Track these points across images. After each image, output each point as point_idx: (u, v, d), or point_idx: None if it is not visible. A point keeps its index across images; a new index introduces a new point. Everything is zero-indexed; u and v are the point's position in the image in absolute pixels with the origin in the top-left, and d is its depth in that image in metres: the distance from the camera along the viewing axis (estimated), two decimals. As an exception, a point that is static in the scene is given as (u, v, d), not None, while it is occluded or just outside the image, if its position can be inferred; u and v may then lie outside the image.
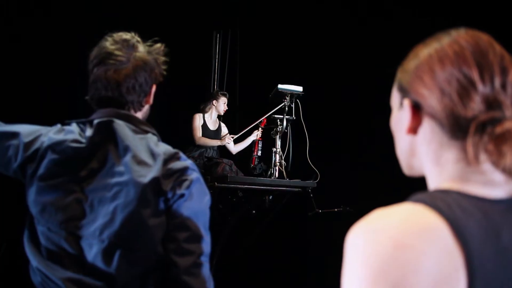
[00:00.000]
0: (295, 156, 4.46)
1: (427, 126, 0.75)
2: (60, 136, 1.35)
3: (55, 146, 1.34)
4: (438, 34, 0.78)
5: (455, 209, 0.66)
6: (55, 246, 1.31)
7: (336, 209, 4.26)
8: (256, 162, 4.56)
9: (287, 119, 4.37)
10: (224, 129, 5.04)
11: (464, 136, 0.71)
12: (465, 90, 0.71)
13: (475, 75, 0.71)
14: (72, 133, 1.36)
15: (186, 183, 1.33)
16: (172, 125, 4.64)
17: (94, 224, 1.29)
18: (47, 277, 1.31)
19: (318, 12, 4.96)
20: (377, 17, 4.54)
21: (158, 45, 1.44)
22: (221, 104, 4.92)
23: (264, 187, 4.22)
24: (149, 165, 1.31)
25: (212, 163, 4.62)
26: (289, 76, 4.46)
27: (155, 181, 1.29)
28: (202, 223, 1.36)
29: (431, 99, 0.73)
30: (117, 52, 1.36)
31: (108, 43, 1.38)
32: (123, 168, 1.30)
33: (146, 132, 1.39)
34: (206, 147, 4.80)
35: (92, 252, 1.29)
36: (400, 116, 0.80)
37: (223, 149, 4.94)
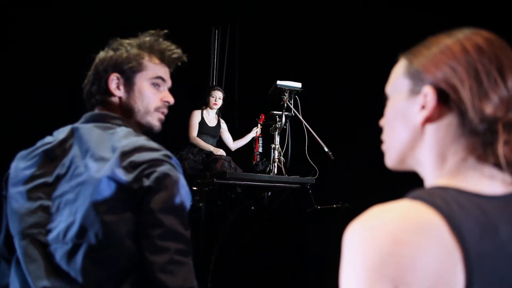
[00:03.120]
0: (294, 152, 4.46)
1: (447, 117, 0.73)
2: (31, 149, 1.39)
3: (27, 156, 1.37)
4: (452, 31, 0.76)
5: (452, 205, 0.66)
6: (24, 255, 1.29)
7: (334, 205, 4.27)
8: (258, 159, 4.55)
9: (286, 116, 4.37)
10: (223, 125, 5.02)
11: (479, 132, 0.70)
12: (495, 86, 0.71)
13: (504, 74, 0.71)
14: (42, 141, 1.40)
15: (154, 175, 1.23)
16: (170, 122, 4.63)
17: (57, 228, 1.26)
18: None
19: (317, 8, 4.95)
20: (377, 14, 4.54)
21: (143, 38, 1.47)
22: (210, 98, 4.86)
23: (263, 183, 4.23)
24: (107, 160, 1.25)
25: (211, 160, 4.62)
26: (288, 73, 4.46)
27: (110, 174, 1.23)
28: (179, 219, 1.25)
29: (463, 90, 0.71)
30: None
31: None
32: (83, 168, 1.27)
33: (119, 126, 1.36)
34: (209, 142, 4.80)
35: (57, 257, 1.25)
36: (406, 104, 0.77)
37: (221, 146, 4.94)
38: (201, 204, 3.89)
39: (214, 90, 4.91)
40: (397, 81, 0.80)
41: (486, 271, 0.64)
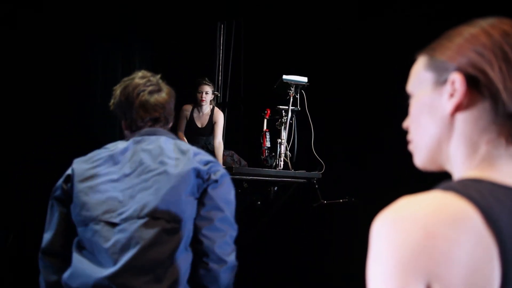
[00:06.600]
0: (300, 147, 4.45)
1: (478, 103, 0.70)
2: (90, 155, 1.69)
3: (88, 160, 1.67)
4: (472, 22, 0.73)
5: (488, 198, 0.63)
6: (99, 237, 1.55)
7: (341, 200, 4.26)
8: (266, 154, 4.52)
9: (292, 110, 4.35)
10: (218, 119, 4.62)
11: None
12: None
13: None
14: (102, 149, 1.71)
15: (219, 173, 1.63)
16: (175, 118, 4.59)
17: (131, 209, 1.56)
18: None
19: (323, 2, 4.92)
20: (384, 7, 4.51)
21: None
22: (197, 94, 4.49)
23: (269, 178, 4.22)
24: (181, 159, 1.62)
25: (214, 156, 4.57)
26: (294, 67, 4.44)
27: (194, 167, 1.59)
28: (231, 212, 1.64)
29: (492, 72, 0.68)
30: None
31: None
32: (157, 165, 1.60)
33: (173, 138, 1.73)
34: (200, 141, 4.66)
35: (129, 232, 1.53)
36: (432, 97, 0.74)
37: (226, 142, 4.91)
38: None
39: (200, 84, 4.50)
40: (419, 77, 0.76)
41: None
